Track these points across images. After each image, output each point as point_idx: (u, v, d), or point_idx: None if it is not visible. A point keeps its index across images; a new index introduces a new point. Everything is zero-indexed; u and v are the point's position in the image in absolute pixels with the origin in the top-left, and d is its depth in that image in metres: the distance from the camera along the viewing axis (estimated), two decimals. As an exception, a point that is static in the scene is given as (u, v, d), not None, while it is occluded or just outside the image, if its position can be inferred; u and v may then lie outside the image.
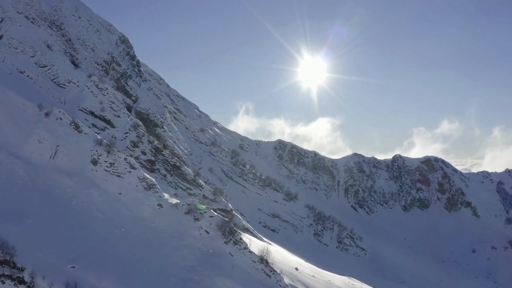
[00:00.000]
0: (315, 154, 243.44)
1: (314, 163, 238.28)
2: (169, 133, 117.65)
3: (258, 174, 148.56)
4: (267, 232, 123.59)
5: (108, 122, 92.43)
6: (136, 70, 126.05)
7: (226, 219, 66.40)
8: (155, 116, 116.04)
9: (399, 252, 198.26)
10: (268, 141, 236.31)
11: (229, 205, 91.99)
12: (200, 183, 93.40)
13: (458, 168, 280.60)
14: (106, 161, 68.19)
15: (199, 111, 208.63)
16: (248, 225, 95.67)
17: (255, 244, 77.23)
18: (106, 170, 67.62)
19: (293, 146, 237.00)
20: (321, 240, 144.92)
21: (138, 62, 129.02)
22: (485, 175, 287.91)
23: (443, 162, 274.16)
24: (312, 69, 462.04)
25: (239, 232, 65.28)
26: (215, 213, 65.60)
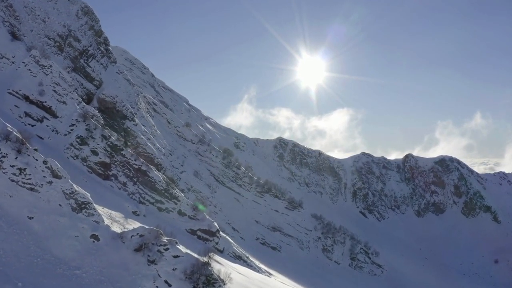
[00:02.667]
0: (320, 153, 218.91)
1: (318, 163, 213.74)
2: (142, 127, 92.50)
3: (255, 178, 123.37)
4: (266, 252, 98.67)
5: (48, 110, 67.23)
6: (103, 49, 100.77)
7: (203, 258, 41.27)
8: (123, 106, 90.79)
9: (416, 265, 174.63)
10: (267, 139, 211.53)
11: (215, 224, 66.92)
12: (175, 193, 68.21)
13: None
14: (13, 166, 43.08)
15: (189, 105, 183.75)
16: (240, 251, 70.62)
17: (248, 283, 52.29)
18: (13, 180, 42.56)
19: (295, 145, 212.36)
20: (331, 257, 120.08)
21: (106, 39, 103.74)
22: (502, 176, 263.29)
23: (459, 162, 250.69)
24: (311, 68, 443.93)
25: (222, 280, 40.25)
26: (183, 251, 40.50)
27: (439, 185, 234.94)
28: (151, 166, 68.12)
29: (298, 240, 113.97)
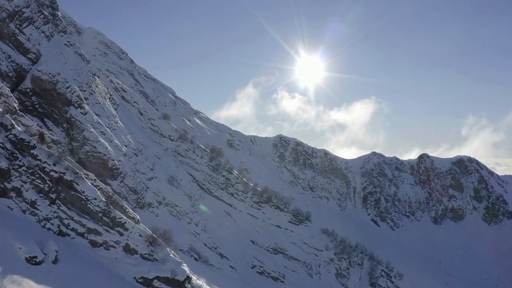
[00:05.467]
0: (325, 153, 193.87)
1: (324, 164, 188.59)
2: (95, 117, 67.01)
3: (251, 184, 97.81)
4: (265, 285, 73.28)
5: None
6: (47, 14, 75.07)
7: None
8: (68, 87, 65.34)
9: (441, 284, 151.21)
10: (266, 137, 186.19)
11: (183, 267, 41.51)
12: (120, 218, 42.60)
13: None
14: None
15: (175, 96, 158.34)
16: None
17: None
18: None
19: (298, 143, 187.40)
20: (347, 284, 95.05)
21: (53, 2, 78.10)
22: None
23: (477, 163, 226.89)
24: (309, 67, 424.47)
25: None
26: None
27: (458, 188, 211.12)
28: (81, 174, 42.64)
29: (306, 264, 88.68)
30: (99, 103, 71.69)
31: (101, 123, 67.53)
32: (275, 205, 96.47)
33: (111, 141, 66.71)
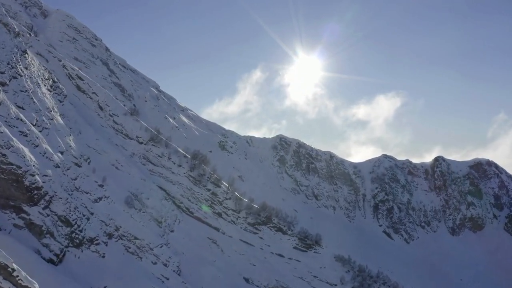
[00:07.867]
0: (331, 156, 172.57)
1: (330, 169, 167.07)
2: (14, 109, 45.39)
3: (246, 200, 76.09)
4: None
5: None
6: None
7: None
8: (-30, 66, 43.77)
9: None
10: (264, 138, 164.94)
11: None
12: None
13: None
14: None
15: (159, 91, 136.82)
16: None
17: None
18: None
19: (300, 145, 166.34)
20: (368, 327, 73.58)
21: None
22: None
23: (497, 166, 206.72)
24: (307, 67, 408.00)
25: None
26: None
27: (476, 195, 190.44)
28: None
29: (317, 306, 67.24)
30: (26, 91, 49.90)
31: (23, 119, 45.77)
32: (276, 226, 74.85)
33: (36, 146, 44.98)
